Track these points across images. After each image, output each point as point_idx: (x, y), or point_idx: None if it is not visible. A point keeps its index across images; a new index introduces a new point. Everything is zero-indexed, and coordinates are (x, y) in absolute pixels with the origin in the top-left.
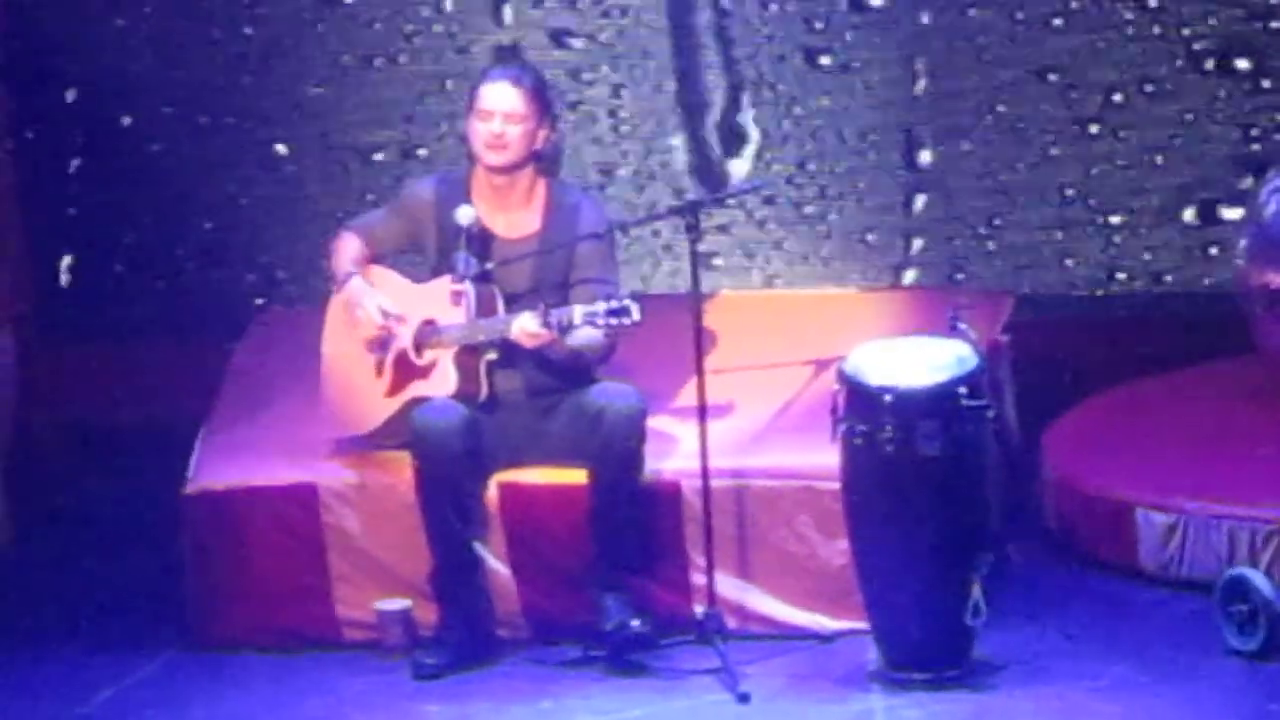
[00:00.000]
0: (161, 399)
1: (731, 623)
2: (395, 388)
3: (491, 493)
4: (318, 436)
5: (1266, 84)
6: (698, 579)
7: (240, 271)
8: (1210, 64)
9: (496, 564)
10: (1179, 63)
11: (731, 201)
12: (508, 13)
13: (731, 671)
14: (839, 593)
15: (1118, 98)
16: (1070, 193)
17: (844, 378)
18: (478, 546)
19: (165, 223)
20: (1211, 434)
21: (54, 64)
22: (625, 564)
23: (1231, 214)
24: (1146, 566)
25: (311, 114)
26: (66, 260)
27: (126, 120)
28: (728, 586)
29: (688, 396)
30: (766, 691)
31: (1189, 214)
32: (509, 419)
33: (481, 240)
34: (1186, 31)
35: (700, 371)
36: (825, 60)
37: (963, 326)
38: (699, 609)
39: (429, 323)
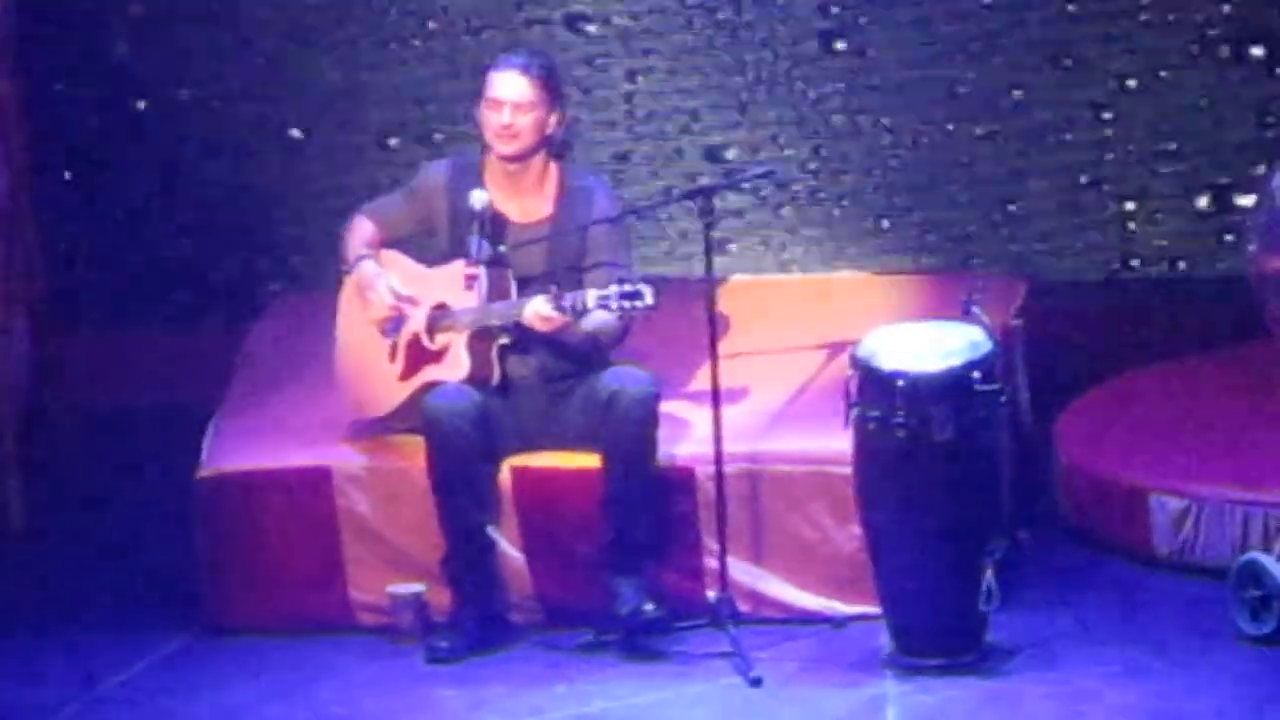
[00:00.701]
0: (175, 383)
1: (744, 607)
2: (408, 372)
3: (505, 477)
4: (331, 420)
5: None
6: (711, 564)
7: (254, 256)
8: (1224, 51)
9: (510, 548)
10: (1193, 49)
11: (746, 186)
12: None
13: (744, 656)
14: (852, 578)
15: (1132, 84)
16: (1084, 179)
17: (857, 363)
18: (491, 531)
19: (179, 207)
20: (1225, 420)
21: (68, 49)
22: (639, 548)
23: (1245, 200)
24: (1160, 552)
25: (327, 98)
26: (80, 245)
27: (141, 105)
28: (741, 571)
29: (701, 381)
30: (779, 676)
31: (1203, 200)
32: (522, 403)
33: (494, 224)
34: (1200, 18)
35: (714, 356)
36: (840, 45)
37: (976, 311)
38: (712, 594)
39: (441, 307)
